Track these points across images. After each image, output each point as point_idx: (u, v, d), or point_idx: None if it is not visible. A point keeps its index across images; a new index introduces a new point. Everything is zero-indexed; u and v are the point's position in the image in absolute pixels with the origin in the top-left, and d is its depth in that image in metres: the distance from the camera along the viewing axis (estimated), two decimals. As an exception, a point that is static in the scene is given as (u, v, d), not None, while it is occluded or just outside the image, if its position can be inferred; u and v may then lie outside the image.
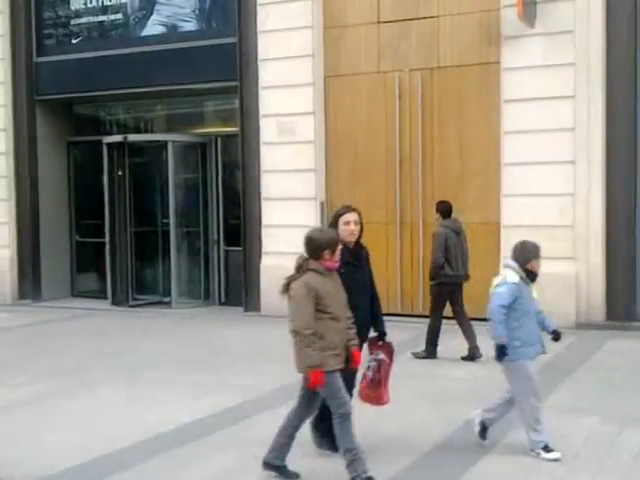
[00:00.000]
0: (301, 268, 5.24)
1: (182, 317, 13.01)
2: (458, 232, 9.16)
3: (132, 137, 13.90)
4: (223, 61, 12.97)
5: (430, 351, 9.13)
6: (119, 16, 14.12)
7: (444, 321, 9.29)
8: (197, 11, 13.48)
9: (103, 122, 15.56)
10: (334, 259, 5.22)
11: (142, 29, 13.93)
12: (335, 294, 5.20)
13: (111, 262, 14.31)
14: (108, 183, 14.10)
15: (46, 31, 14.73)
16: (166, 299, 14.01)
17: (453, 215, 9.33)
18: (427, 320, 9.39)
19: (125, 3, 14.02)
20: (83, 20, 14.45)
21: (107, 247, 14.26)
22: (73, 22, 14.54)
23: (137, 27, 13.99)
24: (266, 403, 7.34)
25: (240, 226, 13.19)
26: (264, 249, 12.67)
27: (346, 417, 5.12)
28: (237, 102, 13.11)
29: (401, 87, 11.86)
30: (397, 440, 6.17)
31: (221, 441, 6.29)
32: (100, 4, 14.19)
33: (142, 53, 13.68)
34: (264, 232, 12.66)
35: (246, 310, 12.90)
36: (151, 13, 13.83)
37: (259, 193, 12.68)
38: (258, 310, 12.69)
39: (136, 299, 14.36)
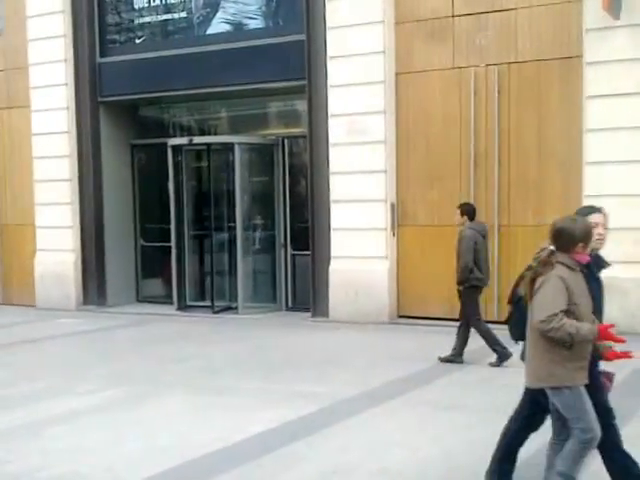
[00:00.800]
0: (548, 262, 4.63)
1: (249, 323, 13.07)
2: (485, 235, 9.26)
3: (198, 139, 14.04)
4: (290, 60, 13.02)
5: (501, 353, 8.93)
6: (183, 15, 14.26)
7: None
8: (263, 8, 13.54)
9: (167, 124, 15.73)
10: (586, 252, 4.67)
11: (207, 28, 14.05)
12: (584, 294, 4.61)
13: (177, 267, 14.45)
14: (174, 186, 14.23)
15: (109, 31, 14.98)
16: (232, 304, 14.08)
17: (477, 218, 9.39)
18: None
19: (189, 1, 14.15)
20: (146, 19, 14.63)
21: (173, 251, 14.39)
22: (136, 21, 14.74)
23: (202, 26, 14.11)
24: (340, 413, 7.34)
25: (308, 229, 13.21)
26: (333, 253, 12.65)
27: (590, 444, 4.57)
28: (304, 102, 13.14)
29: (476, 83, 11.72)
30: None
31: (297, 452, 6.29)
32: (164, 3, 14.35)
33: (207, 52, 13.80)
34: (333, 235, 12.63)
35: (313, 315, 12.90)
36: (216, 11, 13.94)
37: (328, 195, 12.65)
38: (326, 316, 12.67)
39: (202, 304, 14.47)
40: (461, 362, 9.16)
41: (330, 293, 12.64)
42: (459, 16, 11.76)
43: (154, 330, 12.75)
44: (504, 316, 5.33)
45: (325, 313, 12.73)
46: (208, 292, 14.74)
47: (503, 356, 8.88)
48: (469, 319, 9.19)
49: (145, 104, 15.39)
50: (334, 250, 12.65)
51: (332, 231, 12.66)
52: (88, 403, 7.90)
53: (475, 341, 9.31)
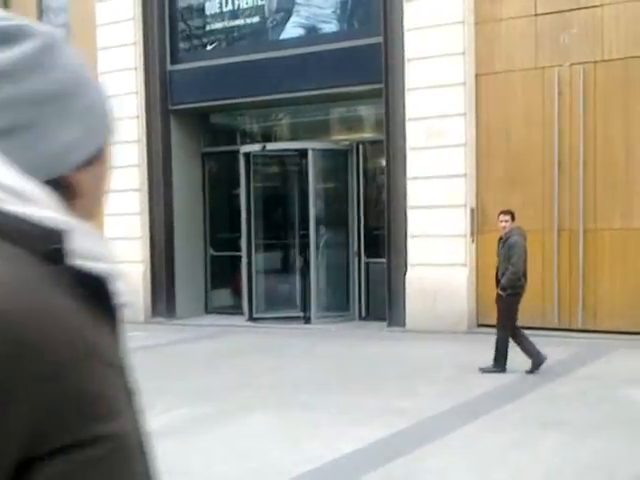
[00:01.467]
0: None
1: (323, 333, 13.08)
2: (526, 240, 9.40)
3: (271, 145, 14.18)
4: (365, 63, 13.11)
5: (536, 360, 9.07)
6: (256, 20, 14.46)
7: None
8: (338, 12, 13.67)
9: (238, 131, 15.95)
10: None
11: (280, 33, 14.22)
12: None
13: (247, 277, 14.53)
14: (245, 194, 14.35)
15: (180, 38, 15.24)
16: (304, 314, 14.09)
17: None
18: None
19: (262, 6, 14.33)
20: (218, 25, 14.86)
21: (244, 261, 14.49)
22: (207, 28, 14.98)
23: (275, 31, 14.30)
24: (434, 430, 7.20)
25: (383, 236, 13.20)
26: (410, 260, 12.62)
27: None
28: (379, 106, 13.20)
29: (561, 83, 11.67)
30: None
31: (394, 474, 6.11)
32: (236, 8, 14.55)
33: (280, 58, 13.97)
34: (410, 242, 12.61)
35: (389, 325, 12.87)
36: (289, 16, 14.11)
37: (405, 201, 12.63)
38: (402, 325, 12.64)
39: (273, 314, 14.53)
40: (545, 359, 9.06)
41: (407, 302, 12.62)
42: (542, 15, 11.72)
43: (227, 343, 12.81)
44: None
45: (401, 322, 12.71)
46: (279, 302, 14.82)
47: (537, 364, 9.03)
48: (501, 324, 9.29)
49: (216, 111, 15.62)
50: (411, 257, 12.63)
51: (409, 238, 12.64)
52: (167, 422, 7.48)
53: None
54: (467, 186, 12.24)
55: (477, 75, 12.22)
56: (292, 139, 15.19)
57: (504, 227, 9.36)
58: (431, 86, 12.33)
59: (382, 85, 12.83)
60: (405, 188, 12.69)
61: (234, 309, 15.52)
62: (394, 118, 12.81)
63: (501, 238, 9.37)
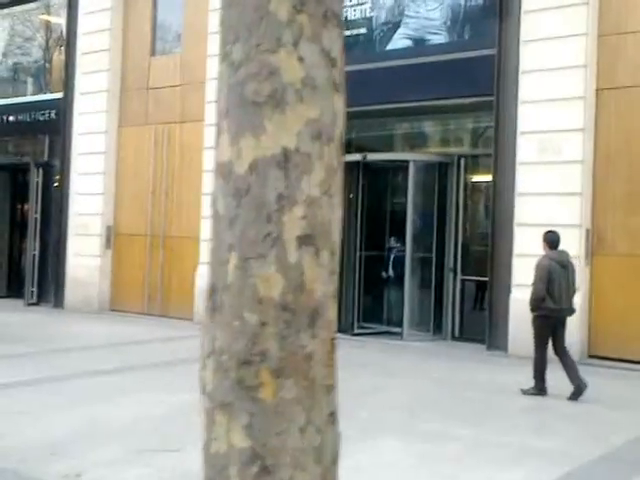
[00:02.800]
0: None
1: (417, 351, 11.58)
2: (565, 265, 8.51)
3: (372, 156, 12.77)
4: (474, 75, 11.57)
5: (539, 387, 8.46)
6: (362, 31, 13.16)
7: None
8: (448, 23, 12.26)
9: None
10: None
11: (387, 44, 12.89)
12: None
13: (338, 287, 13.21)
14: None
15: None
16: (393, 329, 12.70)
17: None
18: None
19: (370, 17, 13.08)
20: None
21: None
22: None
23: (382, 42, 12.97)
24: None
25: (481, 253, 11.73)
26: (515, 281, 11.04)
27: None
28: (485, 119, 11.78)
29: (693, 99, 10.03)
30: None
31: None
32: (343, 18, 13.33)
33: (387, 68, 12.58)
34: (516, 262, 11.04)
35: (489, 348, 11.30)
36: (397, 27, 12.78)
37: (512, 218, 11.16)
38: (504, 349, 11.04)
39: (362, 327, 13.20)
40: (586, 386, 8.24)
41: (510, 325, 11.04)
42: (675, 27, 10.18)
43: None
44: None
45: (503, 347, 11.04)
46: (371, 316, 13.49)
47: (539, 391, 8.44)
48: (536, 346, 8.59)
49: None
50: (516, 278, 11.01)
51: (515, 257, 11.10)
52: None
53: None
54: (583, 205, 10.74)
55: (598, 90, 10.65)
56: (390, 151, 13.52)
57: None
58: (547, 99, 10.74)
59: (492, 97, 11.46)
60: (513, 204, 11.16)
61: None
62: (504, 131, 11.20)
63: None
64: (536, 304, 8.41)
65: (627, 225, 10.36)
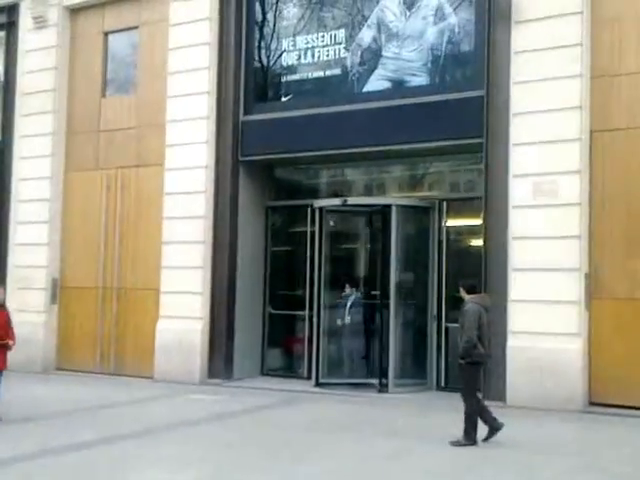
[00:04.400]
0: None
1: (407, 404, 10.71)
2: (488, 309, 8.30)
3: (353, 200, 11.93)
4: (458, 117, 11.08)
5: (472, 438, 7.94)
6: (337, 72, 12.46)
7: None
8: (429, 65, 11.69)
9: (305, 185, 13.81)
10: None
11: (363, 85, 12.21)
12: None
13: (316, 339, 12.26)
14: (318, 250, 12.18)
15: (255, 88, 13.19)
16: (379, 381, 11.77)
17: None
18: None
19: (344, 58, 12.39)
20: (296, 76, 12.87)
21: (315, 320, 12.20)
22: (284, 78, 12.96)
23: (358, 83, 12.28)
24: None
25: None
26: (511, 327, 10.40)
27: None
28: (470, 162, 11.26)
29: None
30: None
31: None
32: (316, 59, 12.60)
33: (362, 111, 11.91)
34: (511, 307, 10.43)
35: (484, 398, 10.52)
36: (374, 68, 12.14)
37: (505, 263, 10.52)
38: (501, 399, 10.29)
39: (340, 380, 12.21)
40: (501, 425, 7.98)
41: (508, 373, 10.33)
42: (671, 69, 9.88)
43: (313, 412, 10.22)
44: None
45: (500, 396, 10.29)
46: (347, 367, 12.56)
47: (472, 441, 7.90)
48: (465, 395, 8.12)
49: (288, 164, 13.38)
50: (513, 324, 10.38)
51: (510, 303, 10.47)
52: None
53: None
54: (581, 249, 10.21)
55: (592, 131, 10.23)
56: (366, 195, 12.87)
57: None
58: (541, 141, 10.34)
59: (479, 139, 10.89)
60: (506, 248, 10.59)
61: (289, 371, 13.28)
62: (494, 174, 10.71)
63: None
64: (469, 351, 8.02)
65: (626, 268, 9.90)
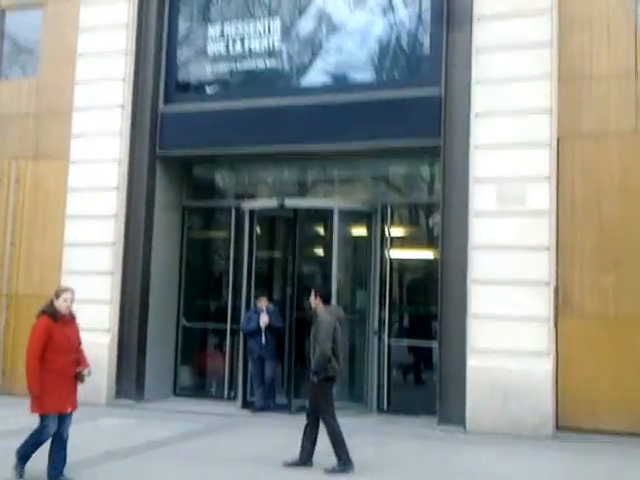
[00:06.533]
0: None
1: (352, 429, 9.15)
2: (341, 321, 7.37)
3: (291, 202, 10.18)
4: (411, 117, 9.64)
5: (346, 460, 6.86)
6: (270, 63, 10.75)
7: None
8: (377, 60, 10.22)
9: (228, 186, 11.93)
10: None
11: (300, 78, 10.58)
12: None
13: (243, 354, 10.45)
14: (247, 257, 10.37)
15: (177, 76, 11.19)
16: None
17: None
18: None
19: (279, 49, 10.72)
20: (224, 66, 11.03)
21: (239, 338, 10.33)
22: (211, 67, 11.10)
23: (293, 76, 10.64)
24: None
25: (421, 315, 9.67)
26: (471, 345, 9.04)
27: None
28: (420, 165, 9.92)
29: (666, 150, 8.68)
30: None
31: None
32: (247, 48, 10.83)
33: (298, 106, 10.25)
34: (471, 323, 9.06)
35: (441, 423, 9.10)
36: (313, 61, 10.56)
37: (464, 274, 9.18)
38: (460, 424, 8.83)
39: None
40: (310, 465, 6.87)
41: (468, 396, 8.91)
42: (644, 73, 8.86)
43: (257, 440, 8.39)
44: None
45: (459, 421, 8.78)
46: (278, 388, 10.76)
47: (346, 466, 6.81)
48: (320, 413, 6.98)
49: (210, 161, 11.31)
50: (473, 342, 9.00)
51: (470, 318, 9.12)
52: None
53: None
54: (550, 260, 8.92)
55: (560, 136, 8.90)
56: (299, 198, 10.96)
57: (312, 304, 7.35)
58: (506, 145, 9.05)
59: (439, 141, 9.47)
60: (465, 259, 9.21)
61: (202, 391, 11.36)
62: (453, 178, 9.36)
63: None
64: (324, 364, 6.97)
65: (597, 282, 8.74)
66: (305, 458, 6.99)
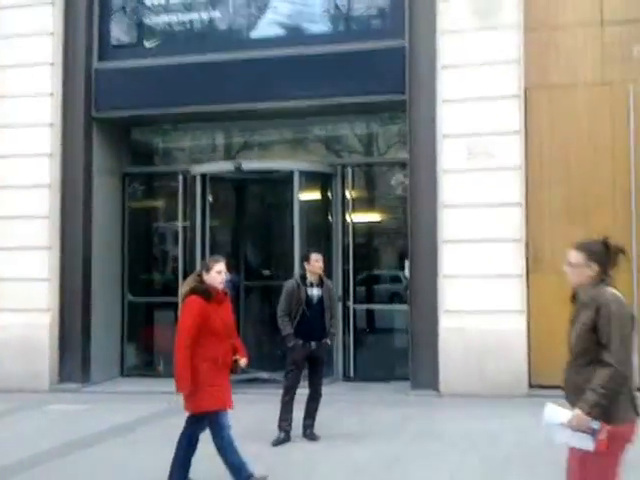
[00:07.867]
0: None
1: (325, 399, 8.69)
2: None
3: (248, 165, 9.45)
4: (373, 70, 9.12)
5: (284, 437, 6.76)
6: (214, 14, 9.96)
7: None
8: (332, 10, 9.59)
9: (173, 149, 11.09)
10: None
11: (249, 31, 9.84)
12: None
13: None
14: (200, 224, 9.64)
15: (112, 29, 10.23)
16: (265, 374, 9.53)
17: None
18: None
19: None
20: (163, 17, 10.14)
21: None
22: (149, 19, 10.18)
23: (241, 29, 9.89)
24: None
25: (387, 279, 9.24)
26: (443, 306, 8.70)
27: None
28: (379, 122, 9.41)
29: (636, 100, 8.51)
30: None
31: None
32: (189, -1, 9.98)
33: (247, 61, 9.56)
34: (442, 284, 8.72)
35: (415, 387, 8.78)
36: (264, 12, 9.81)
37: (434, 234, 8.78)
38: (433, 387, 8.60)
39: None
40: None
41: (440, 358, 8.64)
42: (611, 23, 8.62)
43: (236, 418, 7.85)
44: None
45: (432, 384, 8.58)
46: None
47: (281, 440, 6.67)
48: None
49: (150, 122, 10.58)
50: (445, 303, 8.71)
51: (441, 279, 8.76)
52: None
53: None
54: (522, 217, 8.68)
55: (527, 88, 8.63)
56: (250, 160, 10.09)
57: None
58: (474, 98, 8.69)
59: (403, 97, 8.96)
60: (435, 218, 8.85)
61: (151, 369, 10.69)
62: (419, 134, 8.96)
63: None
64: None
65: (566, 237, 8.46)
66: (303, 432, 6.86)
